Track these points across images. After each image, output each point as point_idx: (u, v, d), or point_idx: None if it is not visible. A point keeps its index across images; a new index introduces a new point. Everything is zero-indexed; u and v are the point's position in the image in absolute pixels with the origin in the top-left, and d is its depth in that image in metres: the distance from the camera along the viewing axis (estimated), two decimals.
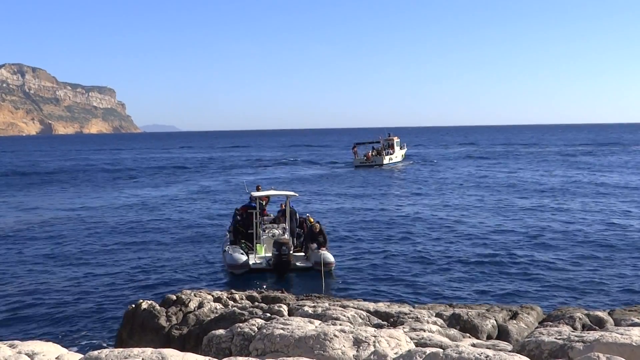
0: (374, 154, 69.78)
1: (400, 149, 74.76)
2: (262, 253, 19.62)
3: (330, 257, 18.72)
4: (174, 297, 11.58)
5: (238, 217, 21.21)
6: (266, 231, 20.26)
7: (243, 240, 20.25)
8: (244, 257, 18.77)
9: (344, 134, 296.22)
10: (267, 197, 22.41)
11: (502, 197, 38.40)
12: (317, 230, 19.99)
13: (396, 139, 73.14)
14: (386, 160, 68.49)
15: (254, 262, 19.05)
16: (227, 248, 19.89)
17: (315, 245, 19.60)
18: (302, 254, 19.85)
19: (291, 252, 18.82)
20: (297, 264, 19.06)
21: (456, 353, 5.27)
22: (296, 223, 21.13)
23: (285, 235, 19.84)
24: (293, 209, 21.25)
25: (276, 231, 20.18)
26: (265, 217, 21.44)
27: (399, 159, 72.95)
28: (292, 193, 21.08)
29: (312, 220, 20.69)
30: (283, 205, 21.77)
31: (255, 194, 21.04)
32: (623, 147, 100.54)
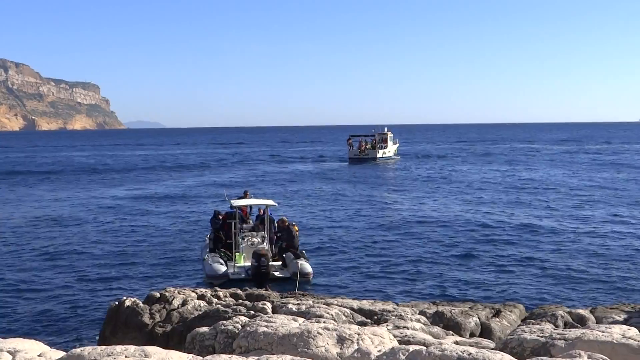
0: (368, 147, 70.66)
1: (393, 144, 75.69)
2: (242, 262, 19.41)
3: (308, 268, 18.57)
4: (158, 295, 11.52)
5: (218, 221, 20.98)
6: (245, 239, 20.11)
7: (222, 249, 19.99)
8: (223, 268, 18.56)
9: (334, 131, 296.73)
10: (247, 206, 22.30)
11: (488, 194, 38.62)
12: (286, 227, 20.02)
13: (390, 134, 74.04)
14: (380, 154, 69.53)
15: (232, 272, 18.85)
16: (206, 256, 19.65)
17: (291, 255, 19.40)
18: (280, 263, 19.67)
19: (270, 262, 18.61)
20: (276, 274, 18.91)
21: (439, 350, 5.30)
22: (274, 230, 21.05)
23: (264, 245, 19.71)
24: (271, 217, 21.18)
25: (255, 239, 20.02)
26: (245, 225, 21.25)
27: (392, 153, 73.85)
28: (271, 202, 20.98)
29: (285, 220, 20.58)
30: (261, 211, 21.67)
31: (235, 202, 20.77)
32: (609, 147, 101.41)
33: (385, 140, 72.31)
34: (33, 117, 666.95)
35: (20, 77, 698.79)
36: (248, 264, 18.95)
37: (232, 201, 20.88)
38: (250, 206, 22.57)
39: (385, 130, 74.75)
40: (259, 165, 72.69)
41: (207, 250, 20.37)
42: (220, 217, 21.00)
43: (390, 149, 73.57)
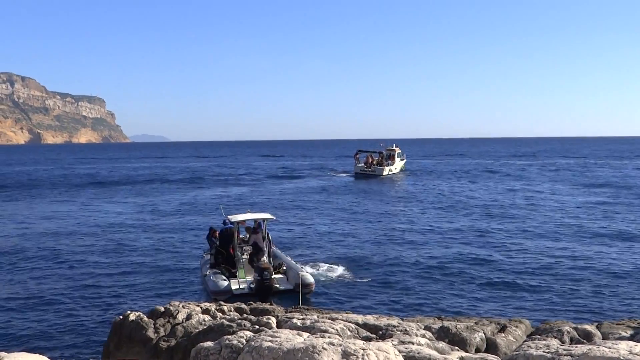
0: (374, 163, 70.49)
1: (400, 160, 75.53)
2: (244, 277, 19.36)
3: (310, 279, 18.53)
4: (162, 309, 11.50)
5: (215, 239, 20.92)
6: (245, 254, 20.08)
7: (223, 265, 19.90)
8: (226, 283, 18.52)
9: (338, 145, 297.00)
10: (244, 220, 22.23)
11: (492, 211, 38.55)
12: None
13: (397, 150, 73.87)
14: (385, 172, 69.25)
15: (236, 287, 18.77)
16: (207, 272, 19.61)
17: (298, 266, 19.45)
18: (283, 276, 19.62)
19: (273, 276, 18.58)
20: (279, 287, 18.87)
21: None
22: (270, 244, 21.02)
23: (264, 259, 19.69)
24: (266, 231, 21.16)
25: None
26: (244, 242, 21.20)
27: (398, 170, 73.67)
28: (268, 216, 20.98)
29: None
30: (257, 223, 21.61)
31: (233, 217, 20.68)
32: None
33: (392, 157, 72.17)
34: (38, 131, 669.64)
35: (26, 90, 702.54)
36: (250, 278, 18.91)
37: (229, 217, 20.77)
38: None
39: (394, 146, 74.54)
40: (262, 179, 72.63)
41: (208, 266, 20.31)
42: (217, 236, 20.91)
43: (397, 166, 73.40)
